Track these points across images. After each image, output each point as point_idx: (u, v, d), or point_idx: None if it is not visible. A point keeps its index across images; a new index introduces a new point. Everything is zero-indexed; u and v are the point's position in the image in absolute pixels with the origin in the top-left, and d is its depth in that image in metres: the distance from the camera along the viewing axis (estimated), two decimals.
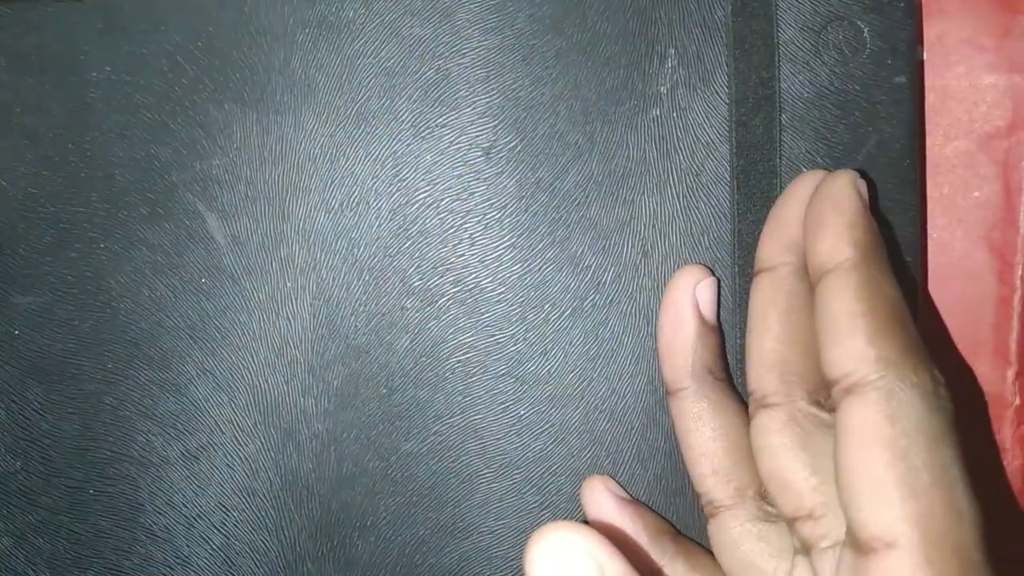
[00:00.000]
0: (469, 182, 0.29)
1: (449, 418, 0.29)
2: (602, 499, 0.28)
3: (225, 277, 0.29)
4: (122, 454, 0.29)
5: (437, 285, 0.29)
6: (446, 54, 0.29)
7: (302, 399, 0.29)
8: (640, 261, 0.29)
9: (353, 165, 0.29)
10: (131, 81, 0.29)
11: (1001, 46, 0.31)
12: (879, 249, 0.23)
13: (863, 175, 0.28)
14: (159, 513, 0.29)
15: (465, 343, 0.29)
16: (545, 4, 0.29)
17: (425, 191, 0.29)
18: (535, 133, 0.29)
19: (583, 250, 0.29)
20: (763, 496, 0.26)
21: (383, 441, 0.29)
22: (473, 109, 0.29)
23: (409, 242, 0.29)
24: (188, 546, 0.29)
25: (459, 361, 0.29)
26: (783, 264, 0.26)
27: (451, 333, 0.29)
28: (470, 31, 0.29)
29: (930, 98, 0.31)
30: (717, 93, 0.29)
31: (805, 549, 0.24)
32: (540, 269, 0.29)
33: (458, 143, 0.29)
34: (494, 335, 0.29)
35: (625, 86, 0.29)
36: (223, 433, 0.29)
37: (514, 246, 0.29)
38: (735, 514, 0.26)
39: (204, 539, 0.29)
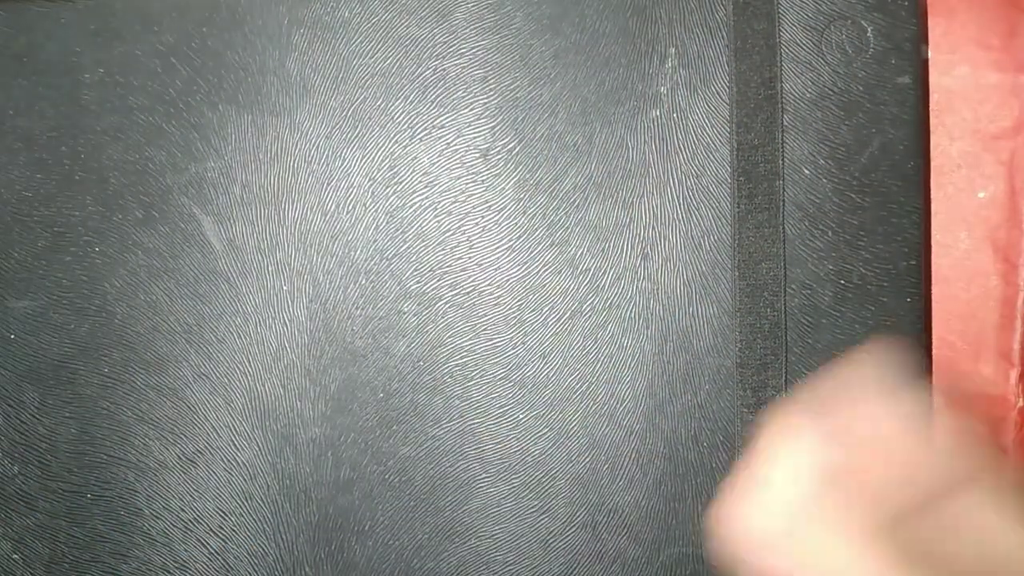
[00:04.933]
0: (467, 184, 0.29)
1: (447, 422, 0.29)
2: None
3: (221, 280, 0.29)
4: (119, 458, 0.29)
5: (434, 288, 0.29)
6: (443, 54, 0.28)
7: (299, 403, 0.29)
8: (639, 264, 0.29)
9: (349, 167, 0.29)
10: (124, 83, 0.29)
11: (1007, 45, 0.30)
12: None
13: (867, 176, 0.28)
14: (156, 517, 0.29)
15: (463, 347, 0.29)
16: (543, 3, 0.28)
17: (422, 193, 0.29)
18: (533, 134, 0.28)
19: (582, 252, 0.29)
20: None
21: (380, 445, 0.29)
22: (471, 110, 0.29)
23: (406, 245, 0.29)
24: (186, 550, 0.29)
25: (457, 365, 0.29)
26: None
27: (449, 337, 0.29)
28: (467, 31, 0.28)
29: (935, 98, 0.31)
30: (718, 94, 0.28)
31: None
32: (538, 272, 0.29)
33: (456, 144, 0.29)
34: (492, 339, 0.29)
35: (625, 87, 0.28)
36: (220, 437, 0.29)
37: (512, 249, 0.29)
38: None
39: (201, 543, 0.29)
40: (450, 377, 0.29)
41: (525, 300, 0.29)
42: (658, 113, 0.28)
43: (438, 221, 0.29)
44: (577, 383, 0.29)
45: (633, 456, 0.29)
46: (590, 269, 0.29)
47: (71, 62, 0.29)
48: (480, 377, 0.29)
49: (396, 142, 0.29)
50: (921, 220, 0.28)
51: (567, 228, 0.29)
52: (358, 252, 0.29)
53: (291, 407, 0.29)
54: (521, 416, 0.29)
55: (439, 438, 0.29)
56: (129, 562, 0.29)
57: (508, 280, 0.29)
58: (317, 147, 0.29)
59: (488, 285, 0.29)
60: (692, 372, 0.28)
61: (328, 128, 0.29)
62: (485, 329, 0.29)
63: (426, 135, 0.29)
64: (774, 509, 0.22)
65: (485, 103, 0.29)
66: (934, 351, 0.32)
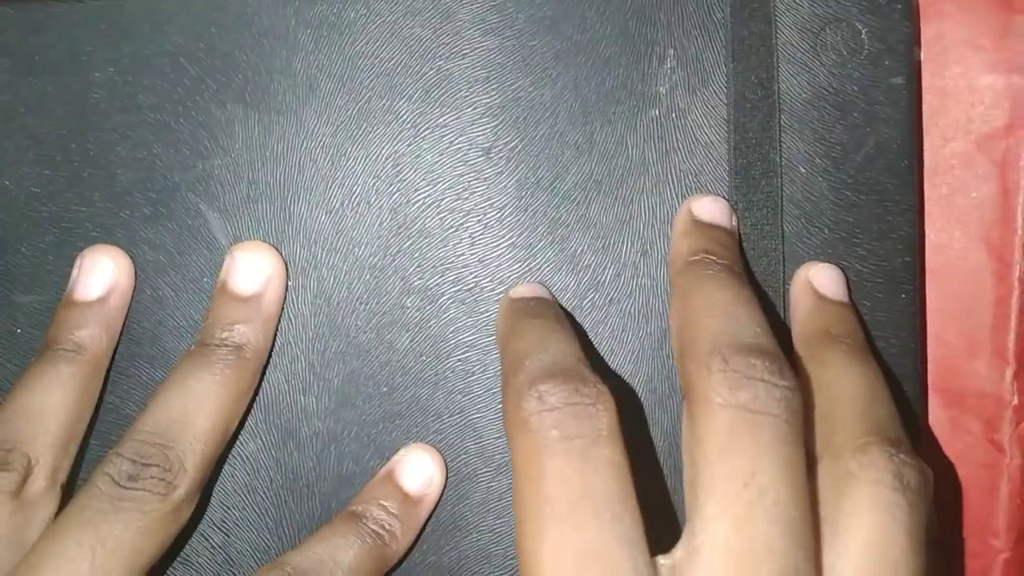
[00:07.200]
0: (469, 182, 0.29)
1: (449, 417, 0.29)
2: None
3: None
4: None
5: (437, 284, 0.29)
6: (447, 55, 0.29)
7: (303, 397, 0.29)
8: (639, 260, 0.29)
9: (354, 165, 0.29)
10: (133, 81, 0.29)
11: (999, 47, 0.31)
12: None
13: (863, 174, 0.28)
14: None
15: (465, 342, 0.29)
16: (545, 5, 0.29)
17: (425, 191, 0.29)
18: (535, 133, 0.29)
19: (582, 249, 0.29)
20: None
21: (383, 439, 0.29)
22: (473, 109, 0.29)
23: (409, 241, 0.29)
24: (188, 544, 0.29)
25: (459, 360, 0.29)
26: None
27: (451, 332, 0.29)
28: (471, 32, 0.29)
29: (928, 99, 0.32)
30: (716, 94, 0.29)
31: None
32: (539, 268, 0.29)
33: (458, 143, 0.29)
34: (494, 334, 0.29)
35: (624, 86, 0.29)
36: None
37: (514, 245, 0.29)
38: None
39: (204, 537, 0.29)
40: (452, 372, 0.29)
41: None
42: (657, 113, 0.29)
43: (441, 218, 0.29)
44: None
45: (632, 451, 0.29)
46: (590, 265, 0.29)
47: (80, 61, 0.29)
48: (482, 372, 0.29)
49: (400, 140, 0.29)
50: (915, 219, 0.29)
51: (568, 225, 0.29)
52: (362, 248, 0.29)
53: (295, 401, 0.29)
54: None
55: (441, 432, 0.29)
56: None
57: (510, 276, 0.29)
58: (322, 145, 0.29)
59: (490, 281, 0.29)
60: None
61: (333, 127, 0.29)
62: (487, 325, 0.29)
63: (429, 134, 0.29)
64: None
65: (488, 103, 0.29)
66: (929, 348, 0.32)
